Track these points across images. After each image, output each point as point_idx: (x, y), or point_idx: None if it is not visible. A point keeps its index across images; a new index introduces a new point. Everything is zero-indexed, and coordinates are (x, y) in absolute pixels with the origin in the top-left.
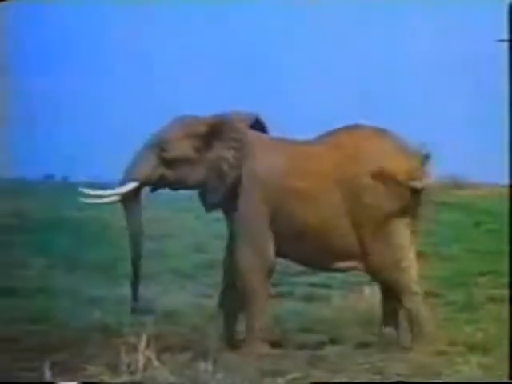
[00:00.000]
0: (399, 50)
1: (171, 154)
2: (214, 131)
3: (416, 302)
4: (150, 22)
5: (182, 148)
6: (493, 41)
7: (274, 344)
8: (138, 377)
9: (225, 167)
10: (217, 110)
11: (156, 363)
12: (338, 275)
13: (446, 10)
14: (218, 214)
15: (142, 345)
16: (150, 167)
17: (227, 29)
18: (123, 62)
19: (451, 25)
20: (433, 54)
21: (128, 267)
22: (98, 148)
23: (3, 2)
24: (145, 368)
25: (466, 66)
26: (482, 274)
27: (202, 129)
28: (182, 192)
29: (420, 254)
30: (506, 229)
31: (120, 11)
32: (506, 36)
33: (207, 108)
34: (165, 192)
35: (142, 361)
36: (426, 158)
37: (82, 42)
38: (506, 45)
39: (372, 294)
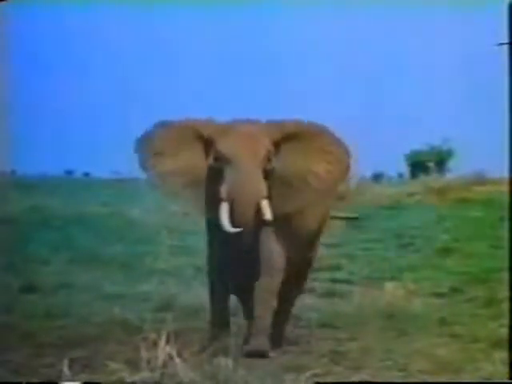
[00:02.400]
0: (402, 50)
1: (272, 164)
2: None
3: None
4: (150, 22)
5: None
6: (493, 44)
7: (295, 340)
8: (158, 373)
9: (314, 182)
10: (220, 110)
11: (176, 359)
12: (360, 271)
13: (446, 11)
14: None
15: (163, 341)
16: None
17: (232, 29)
18: (124, 60)
19: (451, 25)
20: (434, 54)
21: (149, 263)
22: (118, 143)
23: (3, 2)
24: (165, 364)
25: (467, 66)
26: (506, 270)
27: (278, 135)
28: None
29: (444, 250)
30: None
31: (120, 11)
32: (506, 35)
33: (210, 108)
34: None
35: (162, 357)
36: (447, 154)
37: (82, 41)
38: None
39: (393, 290)
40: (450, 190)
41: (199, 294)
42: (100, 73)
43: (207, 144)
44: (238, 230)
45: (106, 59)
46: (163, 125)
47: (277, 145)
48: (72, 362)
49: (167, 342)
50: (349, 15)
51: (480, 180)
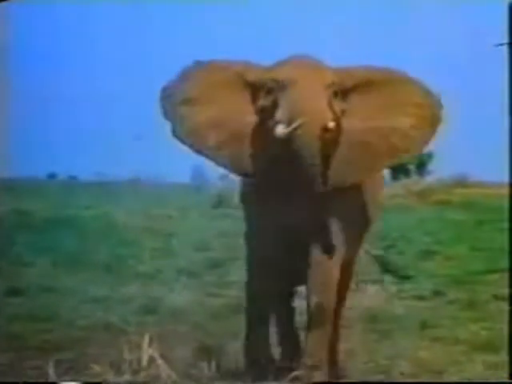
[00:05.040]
0: (399, 50)
1: (340, 105)
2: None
3: None
4: (150, 21)
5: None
6: (493, 45)
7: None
8: (141, 376)
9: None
10: None
11: (159, 362)
12: None
13: (445, 11)
14: (224, 211)
15: (146, 344)
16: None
17: (228, 27)
18: (123, 61)
19: (452, 24)
20: (433, 53)
21: (133, 266)
22: (100, 146)
23: (3, 2)
24: (148, 367)
25: (465, 66)
26: (487, 273)
27: (348, 83)
28: (187, 189)
29: (426, 253)
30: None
31: (120, 11)
32: (506, 35)
33: None
34: (170, 190)
35: (145, 360)
36: (428, 157)
37: (82, 41)
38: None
39: (375, 293)
40: (430, 193)
41: (182, 296)
42: (91, 74)
43: (253, 88)
44: (296, 124)
45: (102, 61)
46: (198, 66)
47: (347, 92)
48: (56, 364)
49: (150, 344)
50: (347, 14)
51: (460, 183)
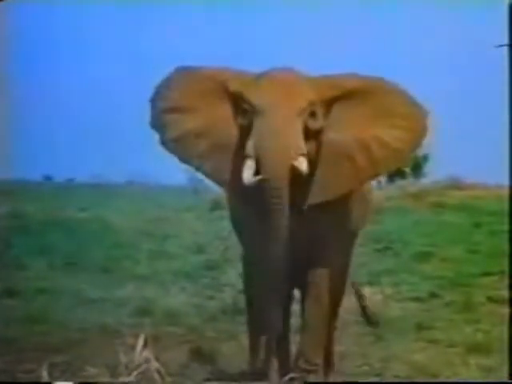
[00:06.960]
0: (398, 50)
1: (319, 123)
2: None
3: None
4: (148, 21)
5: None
6: (493, 46)
7: None
8: (136, 377)
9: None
10: None
11: (154, 364)
12: None
13: (445, 11)
14: (220, 213)
15: (140, 345)
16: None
17: (227, 28)
18: (122, 61)
19: (451, 24)
20: (432, 53)
21: (129, 268)
22: (96, 148)
23: (3, 2)
24: (143, 369)
25: (465, 66)
26: (483, 275)
27: (334, 92)
28: (183, 191)
29: (421, 255)
30: (506, 229)
31: (119, 10)
32: (506, 34)
33: None
34: (166, 192)
35: (140, 361)
36: (423, 159)
37: (82, 41)
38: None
39: (370, 295)
40: (426, 195)
41: (177, 298)
42: (100, 74)
43: (235, 99)
44: (261, 177)
45: (97, 63)
46: (183, 73)
47: (330, 103)
48: (52, 366)
49: (145, 346)
50: (346, 15)
51: (456, 185)
